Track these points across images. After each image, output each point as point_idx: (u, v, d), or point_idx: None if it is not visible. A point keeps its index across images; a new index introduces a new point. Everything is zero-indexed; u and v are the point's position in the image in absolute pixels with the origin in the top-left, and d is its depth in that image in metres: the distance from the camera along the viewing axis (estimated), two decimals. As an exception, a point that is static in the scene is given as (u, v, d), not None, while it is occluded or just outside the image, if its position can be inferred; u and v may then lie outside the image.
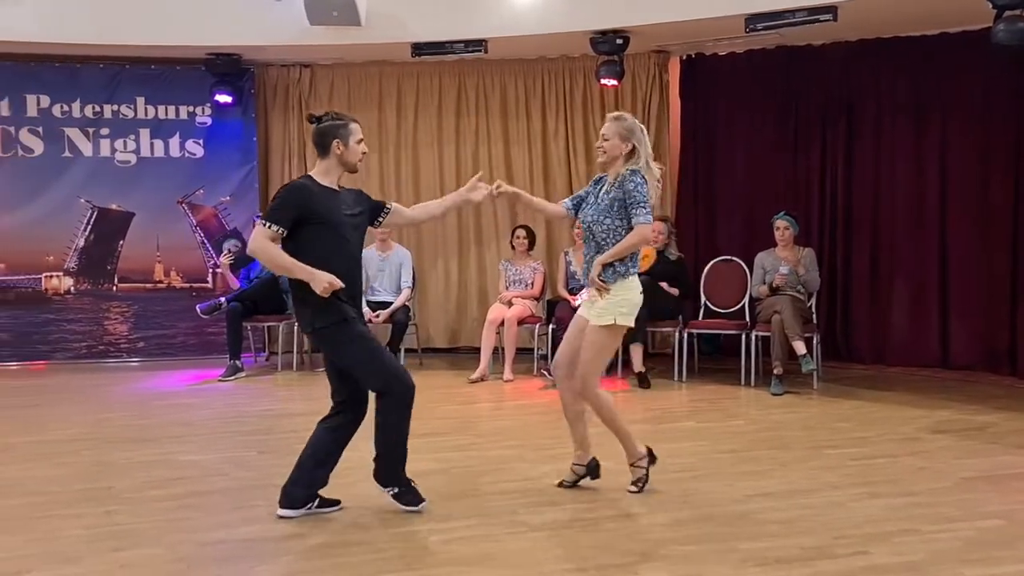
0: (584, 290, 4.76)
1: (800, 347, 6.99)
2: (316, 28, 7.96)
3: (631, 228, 4.33)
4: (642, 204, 4.31)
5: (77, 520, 4.24)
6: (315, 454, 4.20)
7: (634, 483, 4.53)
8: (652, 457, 4.58)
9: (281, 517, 4.15)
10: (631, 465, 4.55)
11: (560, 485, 4.64)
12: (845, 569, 3.57)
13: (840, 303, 8.39)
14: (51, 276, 8.95)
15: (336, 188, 4.20)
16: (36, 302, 8.92)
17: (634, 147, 4.40)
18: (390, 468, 4.21)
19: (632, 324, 4.45)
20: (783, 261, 7.46)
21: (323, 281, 3.91)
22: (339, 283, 3.95)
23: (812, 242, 8.12)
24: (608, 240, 4.37)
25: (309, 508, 4.20)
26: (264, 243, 4.01)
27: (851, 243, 8.37)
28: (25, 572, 3.64)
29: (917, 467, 5.02)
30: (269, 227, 4.01)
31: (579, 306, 4.68)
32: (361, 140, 4.22)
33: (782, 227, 7.60)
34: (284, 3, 7.94)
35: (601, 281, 4.31)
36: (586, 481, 4.66)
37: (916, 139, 8.05)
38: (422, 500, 4.25)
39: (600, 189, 4.51)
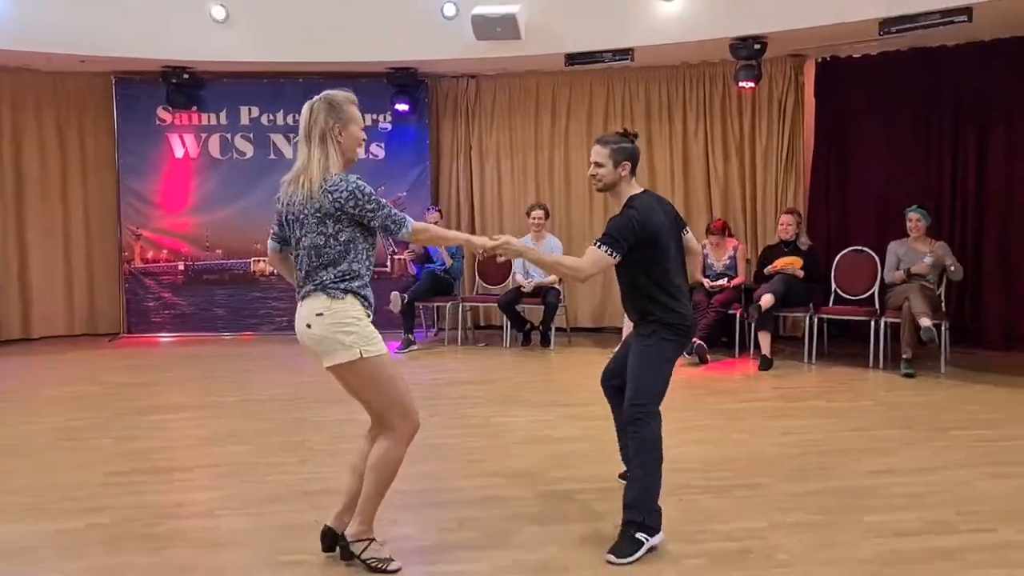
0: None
1: (925, 322, 6.62)
2: (482, 43, 8.08)
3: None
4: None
5: (277, 467, 4.50)
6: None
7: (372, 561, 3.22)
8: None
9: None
10: (359, 540, 3.24)
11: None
12: (969, 544, 3.39)
13: (970, 292, 7.89)
14: (258, 260, 9.41)
15: None
16: (246, 282, 9.45)
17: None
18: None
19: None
20: (930, 254, 7.08)
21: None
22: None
23: (943, 234, 7.66)
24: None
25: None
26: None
27: (981, 236, 7.86)
28: (237, 509, 3.91)
29: (1045, 451, 4.70)
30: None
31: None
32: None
33: (915, 219, 7.23)
34: (454, 22, 8.11)
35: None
36: (726, 451, 4.55)
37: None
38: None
39: None
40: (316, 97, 3.25)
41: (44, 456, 4.76)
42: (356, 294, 3.13)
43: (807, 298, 7.56)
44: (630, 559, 3.28)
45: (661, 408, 3.51)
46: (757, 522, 3.65)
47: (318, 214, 3.10)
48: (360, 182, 3.15)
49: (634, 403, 3.48)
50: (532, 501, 3.95)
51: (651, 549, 3.35)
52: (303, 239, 3.15)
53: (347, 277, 3.11)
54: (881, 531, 3.54)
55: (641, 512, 3.38)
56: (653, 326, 3.56)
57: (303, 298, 3.18)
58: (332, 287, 3.10)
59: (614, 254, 3.42)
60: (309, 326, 3.12)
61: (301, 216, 3.14)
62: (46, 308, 9.28)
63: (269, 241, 3.42)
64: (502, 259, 3.74)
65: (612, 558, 3.29)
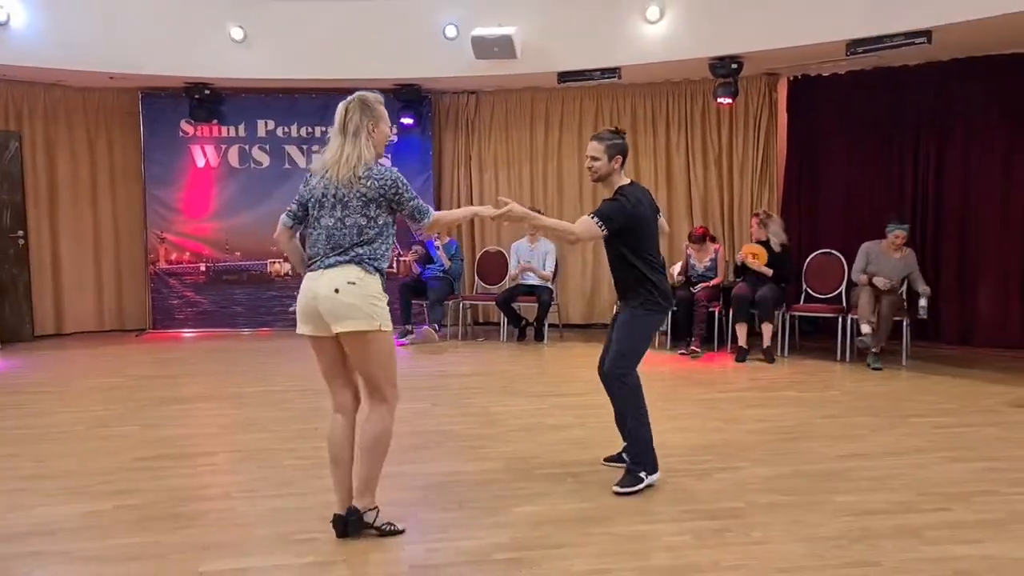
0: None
1: (865, 328, 6.74)
2: (481, 61, 8.09)
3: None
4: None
5: (293, 453, 4.50)
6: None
7: (385, 526, 3.30)
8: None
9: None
10: (370, 510, 3.28)
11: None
12: (928, 523, 3.41)
13: (930, 292, 7.90)
14: (274, 262, 9.42)
15: None
16: (263, 282, 9.45)
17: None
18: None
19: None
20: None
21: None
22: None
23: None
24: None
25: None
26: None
27: (940, 240, 7.90)
28: (255, 492, 3.91)
29: (997, 436, 4.72)
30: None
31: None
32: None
33: (901, 236, 7.10)
34: (455, 42, 8.12)
35: None
36: (706, 437, 4.57)
37: (1006, 150, 7.51)
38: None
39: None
40: (350, 97, 3.35)
41: (77, 443, 4.76)
42: (383, 275, 3.24)
43: (781, 298, 7.59)
44: (632, 489, 3.77)
45: (645, 399, 3.84)
46: (736, 503, 3.67)
47: (364, 198, 3.17)
48: (400, 174, 3.28)
49: (617, 363, 3.81)
50: (527, 483, 3.95)
51: (648, 485, 3.82)
52: (346, 219, 3.18)
53: (379, 257, 3.21)
54: (849, 510, 3.55)
55: (643, 461, 3.84)
56: (640, 298, 3.83)
57: (329, 267, 3.18)
58: (368, 263, 3.17)
59: (603, 228, 3.70)
60: (337, 291, 3.13)
61: (345, 199, 3.18)
62: (77, 306, 9.26)
63: (283, 216, 3.42)
64: (507, 224, 3.91)
65: (618, 488, 3.77)
